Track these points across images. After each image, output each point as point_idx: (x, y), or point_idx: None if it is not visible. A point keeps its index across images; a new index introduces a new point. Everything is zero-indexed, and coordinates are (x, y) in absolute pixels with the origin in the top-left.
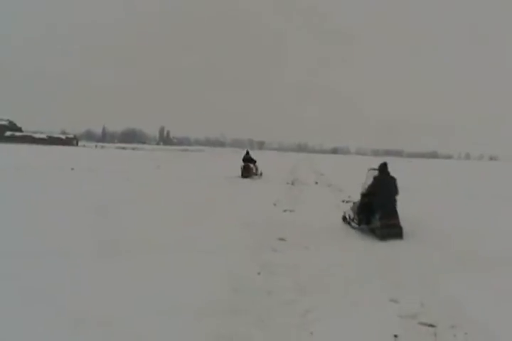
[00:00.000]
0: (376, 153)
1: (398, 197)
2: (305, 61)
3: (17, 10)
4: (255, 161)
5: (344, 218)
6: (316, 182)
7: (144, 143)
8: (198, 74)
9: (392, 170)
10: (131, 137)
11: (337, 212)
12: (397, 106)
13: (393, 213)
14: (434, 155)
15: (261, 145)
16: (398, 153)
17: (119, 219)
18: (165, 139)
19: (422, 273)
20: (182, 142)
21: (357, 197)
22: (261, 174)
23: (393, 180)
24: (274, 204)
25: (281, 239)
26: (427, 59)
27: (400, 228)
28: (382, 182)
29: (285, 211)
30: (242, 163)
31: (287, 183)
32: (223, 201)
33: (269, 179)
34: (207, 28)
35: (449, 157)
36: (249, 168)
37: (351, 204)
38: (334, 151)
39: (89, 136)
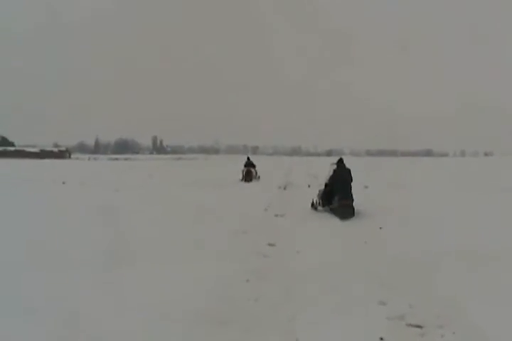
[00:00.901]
0: (370, 153)
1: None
2: (297, 63)
3: None
4: (255, 166)
5: (312, 204)
6: (309, 186)
7: (137, 153)
8: (190, 81)
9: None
10: (123, 147)
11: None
12: (391, 105)
13: (348, 196)
14: (429, 154)
15: (255, 151)
16: (392, 153)
17: (103, 229)
18: (158, 148)
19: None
20: (176, 150)
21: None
22: (259, 177)
23: (348, 170)
24: (265, 210)
25: (272, 245)
26: (418, 57)
27: (353, 208)
28: (340, 173)
29: (276, 216)
30: (243, 168)
31: (279, 188)
32: (213, 207)
33: (263, 183)
34: (201, 33)
35: (445, 154)
36: (250, 173)
37: (318, 192)
38: (329, 153)
39: (82, 148)
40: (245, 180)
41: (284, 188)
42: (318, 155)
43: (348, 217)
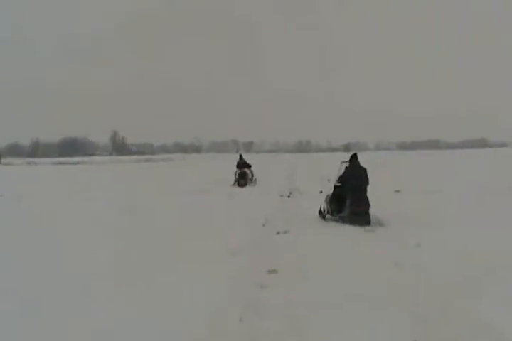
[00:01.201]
0: (403, 146)
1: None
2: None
3: None
4: (250, 166)
5: (320, 211)
6: (321, 191)
7: (91, 154)
8: (163, 69)
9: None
10: (72, 148)
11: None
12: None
13: (362, 201)
14: (483, 144)
15: (249, 147)
16: (434, 144)
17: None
18: (119, 148)
19: None
20: (143, 150)
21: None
22: (255, 181)
23: (363, 169)
24: (264, 225)
25: (272, 271)
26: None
27: (368, 215)
28: (352, 172)
29: (278, 233)
30: (236, 170)
31: (281, 196)
32: (197, 222)
33: (261, 188)
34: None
35: (503, 145)
36: (245, 175)
37: (326, 196)
38: (347, 148)
39: (16, 151)
40: (239, 184)
41: (288, 196)
42: (333, 150)
43: (361, 224)
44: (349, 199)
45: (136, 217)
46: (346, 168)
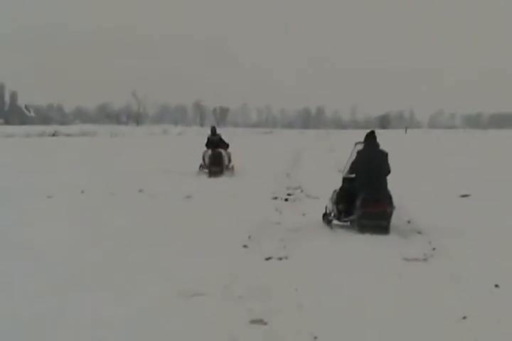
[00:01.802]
0: (482, 120)
1: None
2: None
3: None
4: (228, 145)
5: (324, 214)
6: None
7: None
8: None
9: None
10: None
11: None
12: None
13: (380, 197)
14: None
15: (223, 117)
16: None
17: None
18: (9, 111)
19: None
20: (46, 116)
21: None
22: (233, 168)
23: (382, 154)
24: (246, 246)
25: (258, 322)
26: None
27: (386, 219)
28: (367, 157)
29: (268, 259)
30: (206, 150)
31: (275, 198)
32: (141, 239)
33: (243, 180)
34: None
35: None
36: (220, 158)
37: (332, 192)
38: (383, 124)
39: None
40: (210, 173)
41: (286, 199)
42: (363, 127)
43: (376, 232)
44: (361, 195)
45: None
46: (358, 151)
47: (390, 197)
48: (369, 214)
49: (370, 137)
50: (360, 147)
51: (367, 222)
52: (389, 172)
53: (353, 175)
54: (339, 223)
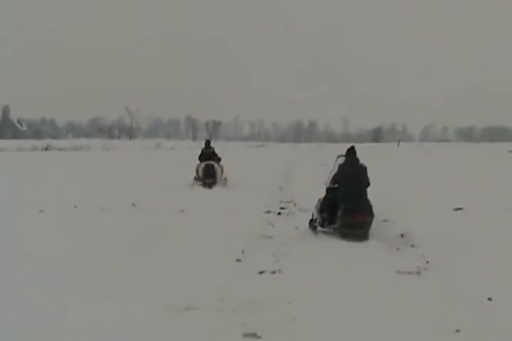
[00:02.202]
0: (473, 134)
1: None
2: None
3: None
4: (220, 159)
5: (310, 221)
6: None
7: None
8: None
9: None
10: None
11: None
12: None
13: (359, 208)
14: None
15: (215, 130)
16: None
17: None
18: (1, 125)
19: None
20: (38, 130)
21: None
22: (225, 179)
23: (361, 167)
24: (239, 260)
25: (252, 335)
26: None
27: (364, 228)
28: (348, 171)
29: (262, 273)
30: (200, 163)
31: (268, 212)
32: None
33: (237, 195)
34: None
35: None
36: (213, 170)
37: (317, 201)
38: (376, 137)
39: None
40: (204, 184)
41: (279, 213)
42: (356, 140)
43: (356, 239)
44: (342, 205)
45: None
46: (340, 165)
47: (370, 207)
48: (349, 224)
49: (351, 152)
50: (341, 161)
51: (347, 230)
52: (368, 184)
53: (336, 185)
54: (323, 229)
